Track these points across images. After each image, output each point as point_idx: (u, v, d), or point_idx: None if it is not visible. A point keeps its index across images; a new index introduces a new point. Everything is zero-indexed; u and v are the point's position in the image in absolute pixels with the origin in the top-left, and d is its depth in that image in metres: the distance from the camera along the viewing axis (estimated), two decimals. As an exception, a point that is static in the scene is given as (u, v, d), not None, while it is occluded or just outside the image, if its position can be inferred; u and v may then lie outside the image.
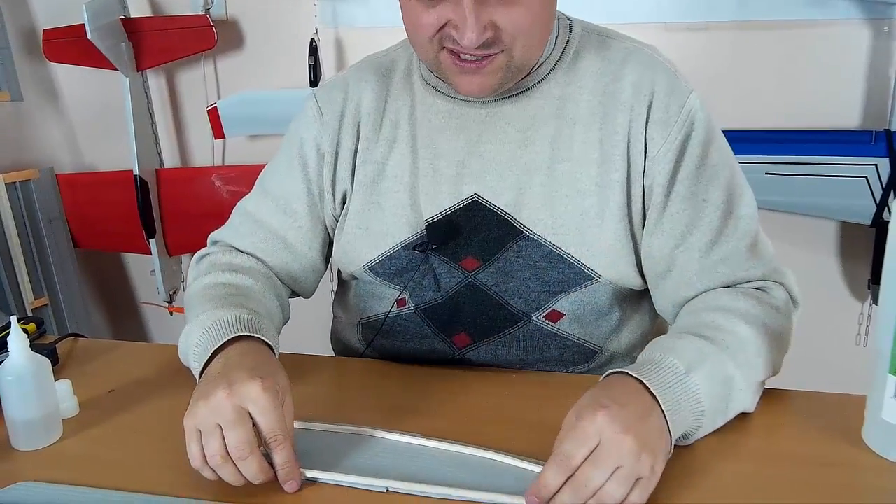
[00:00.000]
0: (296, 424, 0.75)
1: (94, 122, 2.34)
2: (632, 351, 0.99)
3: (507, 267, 0.92)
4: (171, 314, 2.35)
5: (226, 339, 0.79)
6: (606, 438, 0.64)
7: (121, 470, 0.76)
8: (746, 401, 0.79)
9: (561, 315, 0.94)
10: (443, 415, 0.84)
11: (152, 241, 2.22)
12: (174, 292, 2.33)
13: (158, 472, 0.75)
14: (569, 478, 0.64)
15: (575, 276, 0.91)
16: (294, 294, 1.06)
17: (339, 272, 1.08)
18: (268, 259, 1.00)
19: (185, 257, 2.38)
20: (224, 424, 0.68)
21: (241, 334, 0.80)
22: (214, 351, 0.79)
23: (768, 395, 0.85)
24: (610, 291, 0.94)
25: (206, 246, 1.05)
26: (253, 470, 0.68)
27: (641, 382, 0.71)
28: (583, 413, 0.66)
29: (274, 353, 0.82)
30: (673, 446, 0.70)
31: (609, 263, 0.90)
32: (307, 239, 1.01)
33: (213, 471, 0.69)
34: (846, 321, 1.94)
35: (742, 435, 0.79)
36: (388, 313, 1.00)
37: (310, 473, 0.72)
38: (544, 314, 0.94)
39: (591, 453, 0.64)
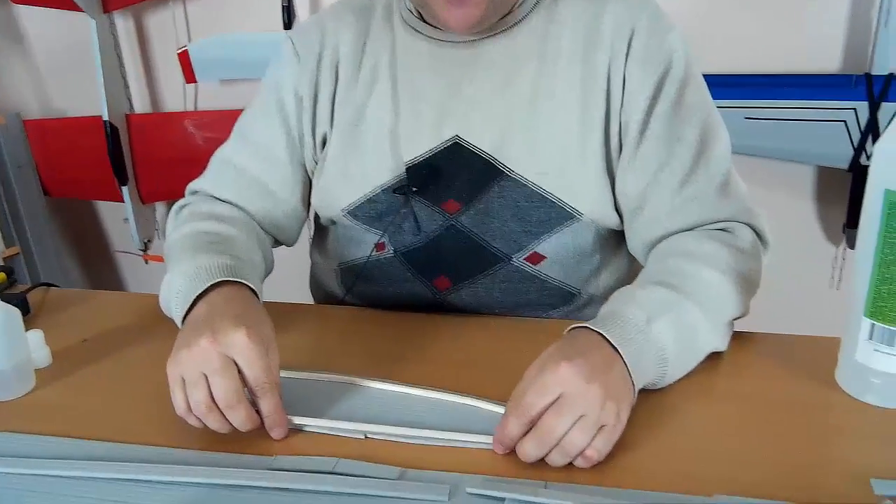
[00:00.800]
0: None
1: (61, 67, 2.27)
2: (609, 293, 0.99)
3: (489, 208, 0.92)
4: (147, 262, 2.33)
5: (209, 285, 0.77)
6: (570, 389, 0.64)
7: (96, 419, 0.75)
8: (716, 341, 0.79)
9: (542, 258, 0.94)
10: (422, 361, 0.84)
11: (124, 189, 2.19)
12: (149, 240, 2.30)
13: (133, 420, 0.74)
14: (534, 428, 0.64)
15: (557, 214, 0.90)
16: (277, 243, 1.04)
17: (316, 218, 1.07)
18: (250, 207, 0.98)
19: (159, 205, 2.34)
20: (210, 373, 0.67)
21: (225, 279, 0.78)
22: (197, 297, 0.77)
23: (739, 337, 0.85)
24: (592, 232, 0.93)
25: (182, 195, 1.03)
26: (241, 418, 0.68)
27: (603, 336, 0.70)
28: (546, 366, 0.66)
29: (258, 298, 0.81)
30: (636, 394, 0.70)
31: (590, 201, 0.90)
32: (289, 185, 0.99)
33: (198, 418, 0.69)
34: (821, 264, 1.96)
35: (712, 375, 0.79)
36: (368, 257, 0.99)
37: (296, 420, 0.72)
38: (525, 256, 0.94)
39: (554, 403, 0.64)
